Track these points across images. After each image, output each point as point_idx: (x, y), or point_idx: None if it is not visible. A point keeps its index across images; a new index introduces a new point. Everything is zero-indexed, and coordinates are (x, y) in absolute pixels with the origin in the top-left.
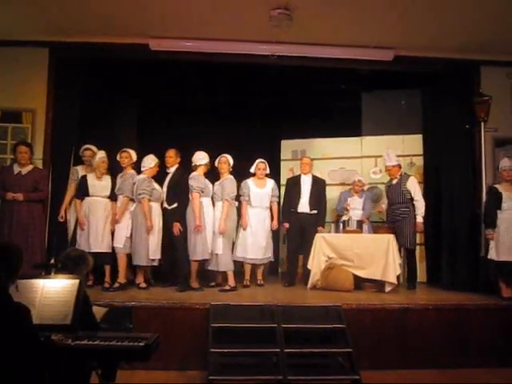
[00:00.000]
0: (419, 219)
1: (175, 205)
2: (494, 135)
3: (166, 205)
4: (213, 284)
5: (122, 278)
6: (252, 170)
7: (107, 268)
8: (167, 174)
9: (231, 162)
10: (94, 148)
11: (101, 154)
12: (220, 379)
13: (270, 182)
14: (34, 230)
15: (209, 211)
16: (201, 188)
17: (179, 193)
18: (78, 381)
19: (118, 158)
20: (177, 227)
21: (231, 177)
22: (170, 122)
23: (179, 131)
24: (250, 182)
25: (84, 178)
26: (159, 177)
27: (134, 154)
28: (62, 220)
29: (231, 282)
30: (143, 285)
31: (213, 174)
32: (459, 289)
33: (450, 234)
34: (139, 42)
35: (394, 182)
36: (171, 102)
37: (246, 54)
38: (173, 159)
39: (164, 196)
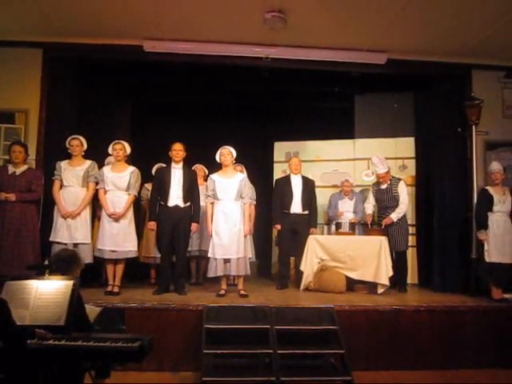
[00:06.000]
0: (393, 216)
1: (188, 203)
2: (485, 138)
3: (177, 203)
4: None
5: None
6: (217, 158)
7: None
8: (164, 167)
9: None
10: (81, 138)
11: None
12: (213, 380)
13: (240, 175)
14: (27, 231)
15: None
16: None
17: (195, 192)
18: (72, 381)
19: (110, 150)
20: (195, 227)
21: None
22: (162, 122)
23: (172, 132)
24: (214, 175)
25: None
26: (148, 173)
27: (127, 146)
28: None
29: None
30: (153, 281)
31: None
32: (450, 290)
33: (442, 236)
34: (133, 43)
35: (384, 186)
36: (164, 103)
37: (239, 56)
38: (182, 152)
39: (173, 193)
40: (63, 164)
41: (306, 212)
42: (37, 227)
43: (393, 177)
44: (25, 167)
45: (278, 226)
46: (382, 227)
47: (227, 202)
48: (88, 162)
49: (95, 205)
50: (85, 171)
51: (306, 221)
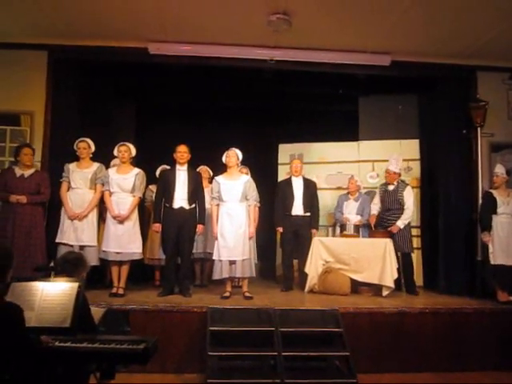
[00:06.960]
0: (399, 223)
1: (193, 205)
2: (490, 140)
3: (182, 204)
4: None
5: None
6: (223, 159)
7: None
8: (168, 169)
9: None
10: (88, 140)
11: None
12: (218, 382)
13: (245, 177)
14: (36, 233)
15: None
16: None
17: (200, 194)
18: (77, 383)
19: (115, 152)
20: (201, 228)
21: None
22: (167, 124)
23: (176, 134)
24: (218, 177)
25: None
26: (152, 175)
27: (133, 148)
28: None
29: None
30: (158, 283)
31: None
32: (456, 293)
33: (447, 238)
34: (138, 45)
35: (391, 188)
36: (169, 105)
37: (244, 59)
38: (187, 154)
39: (178, 195)
40: (71, 166)
41: (308, 214)
42: (44, 229)
43: (401, 181)
44: (32, 170)
45: (280, 229)
46: (389, 229)
47: (232, 203)
48: (96, 165)
49: (101, 207)
50: (93, 173)
51: (308, 223)
